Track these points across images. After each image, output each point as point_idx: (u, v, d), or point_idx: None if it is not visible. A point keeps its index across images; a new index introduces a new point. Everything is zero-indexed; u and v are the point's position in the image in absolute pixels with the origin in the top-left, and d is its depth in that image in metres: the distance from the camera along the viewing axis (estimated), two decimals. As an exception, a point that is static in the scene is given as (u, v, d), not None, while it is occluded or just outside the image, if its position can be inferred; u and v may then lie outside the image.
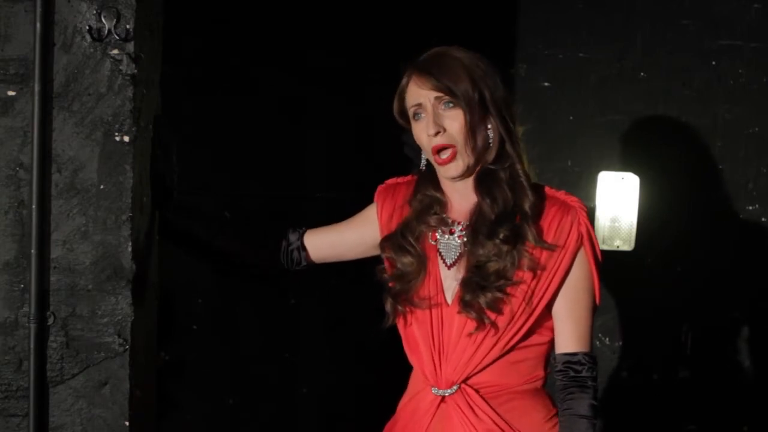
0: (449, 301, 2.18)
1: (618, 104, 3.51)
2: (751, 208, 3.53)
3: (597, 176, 3.25)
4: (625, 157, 3.49)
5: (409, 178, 2.32)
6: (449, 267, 2.19)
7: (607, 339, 3.57)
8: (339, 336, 3.49)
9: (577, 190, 3.45)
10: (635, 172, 3.25)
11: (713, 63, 3.49)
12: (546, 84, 3.51)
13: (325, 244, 2.44)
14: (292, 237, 2.45)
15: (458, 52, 2.17)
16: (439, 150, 2.14)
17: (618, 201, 3.20)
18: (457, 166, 2.14)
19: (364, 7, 3.43)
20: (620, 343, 3.57)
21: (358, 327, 3.26)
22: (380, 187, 2.39)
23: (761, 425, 3.55)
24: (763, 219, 3.53)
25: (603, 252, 3.13)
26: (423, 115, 2.15)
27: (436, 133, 2.12)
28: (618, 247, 3.22)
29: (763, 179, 3.52)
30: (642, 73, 3.50)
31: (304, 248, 2.44)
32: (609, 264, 3.32)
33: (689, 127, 3.51)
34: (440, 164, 2.15)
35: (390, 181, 2.40)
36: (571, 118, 3.52)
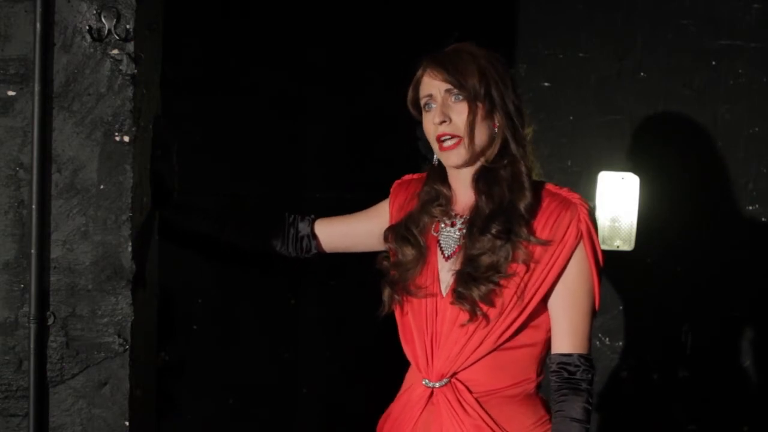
0: (444, 292, 2.20)
1: (618, 104, 3.51)
2: (751, 208, 3.52)
3: (597, 176, 3.25)
4: (625, 157, 3.48)
5: (422, 174, 2.36)
6: (447, 259, 2.22)
7: (607, 339, 3.57)
8: (339, 336, 3.49)
9: (577, 190, 3.42)
10: (635, 172, 3.25)
11: (713, 63, 3.49)
12: (546, 84, 3.51)
13: (336, 233, 2.48)
14: (302, 225, 2.49)
15: (475, 50, 2.22)
16: (442, 138, 2.17)
17: (618, 201, 3.20)
18: (459, 154, 2.17)
19: (364, 8, 3.43)
20: (620, 343, 3.57)
21: (358, 327, 3.26)
22: (396, 183, 2.46)
23: (761, 425, 3.55)
24: (763, 219, 3.53)
25: (603, 252, 3.14)
26: (433, 105, 2.20)
27: (442, 122, 2.16)
28: (618, 247, 3.22)
29: (763, 179, 3.52)
30: (642, 73, 3.50)
31: (314, 236, 2.48)
32: (609, 264, 3.32)
33: (689, 127, 3.51)
34: (442, 151, 2.19)
35: (405, 177, 2.46)
36: (571, 118, 3.52)
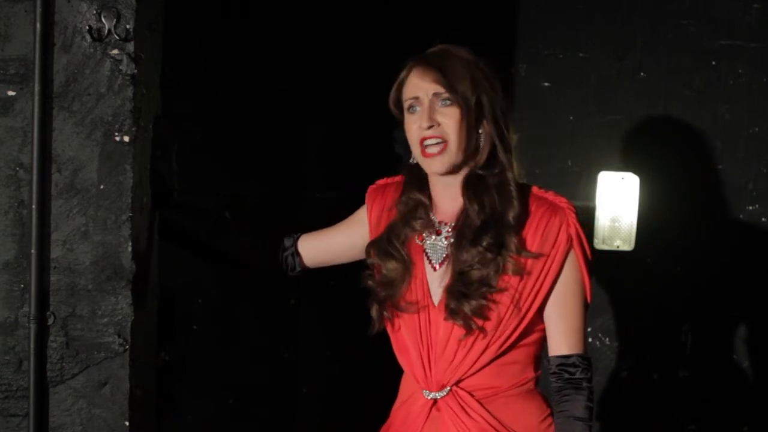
0: (436, 302, 2.17)
1: (618, 104, 3.51)
2: (751, 208, 3.53)
3: (597, 176, 3.25)
4: (625, 157, 3.48)
5: (399, 178, 2.30)
6: (436, 269, 2.19)
7: (607, 339, 3.57)
8: (339, 336, 3.49)
9: (577, 190, 3.45)
10: (635, 172, 3.25)
11: (713, 63, 3.49)
12: (546, 84, 3.51)
13: (318, 248, 2.45)
14: (287, 242, 2.47)
15: (463, 53, 2.16)
16: (426, 141, 2.12)
17: (618, 201, 3.20)
18: (443, 162, 2.12)
19: (364, 8, 3.43)
20: (620, 343, 3.57)
21: (358, 327, 3.26)
22: (371, 188, 2.39)
23: (761, 425, 3.55)
24: (763, 219, 3.53)
25: (603, 252, 3.13)
26: (418, 108, 2.14)
27: (429, 127, 2.11)
28: (618, 247, 3.22)
29: (763, 179, 3.52)
30: (642, 73, 3.50)
31: (297, 253, 2.46)
32: (609, 264, 3.34)
33: (689, 127, 3.51)
34: (426, 157, 2.13)
35: (380, 181, 2.39)
36: (571, 118, 3.52)
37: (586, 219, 3.21)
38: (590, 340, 3.53)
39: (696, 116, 3.51)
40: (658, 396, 3.56)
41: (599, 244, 3.18)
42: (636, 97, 3.51)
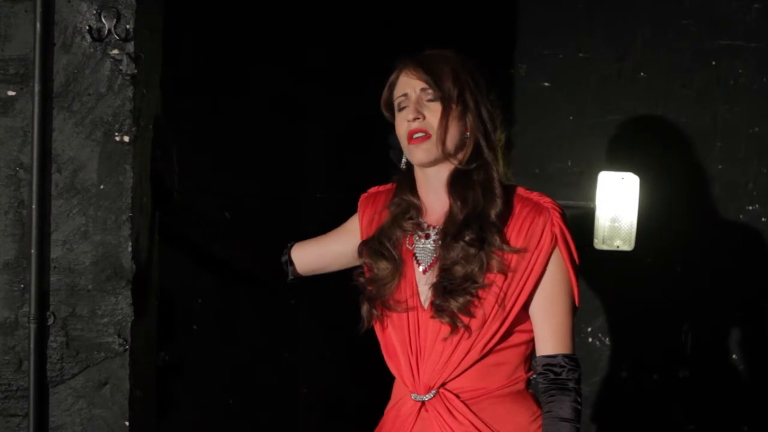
0: (425, 305, 2.19)
1: (618, 104, 3.51)
2: (751, 208, 3.53)
3: (597, 176, 3.25)
4: (625, 157, 3.48)
5: (390, 186, 2.34)
6: (424, 271, 2.21)
7: (607, 339, 3.57)
8: (339, 336, 3.49)
9: (577, 190, 3.45)
10: (635, 172, 3.25)
11: (713, 63, 3.49)
12: (546, 84, 3.51)
13: (310, 256, 2.47)
14: (282, 251, 2.49)
15: (451, 54, 2.23)
16: (414, 135, 2.17)
17: (618, 201, 3.20)
18: (428, 150, 2.16)
19: (364, 8, 3.44)
20: (620, 343, 3.57)
21: (358, 327, 3.26)
22: (362, 197, 2.43)
23: (761, 425, 3.55)
24: (763, 219, 3.53)
25: (603, 252, 3.13)
26: (407, 105, 2.20)
27: (415, 119, 2.16)
28: (618, 247, 3.22)
29: (763, 179, 3.52)
30: (642, 73, 3.50)
31: (291, 262, 2.47)
32: (609, 264, 3.34)
33: (689, 127, 3.51)
34: (410, 144, 2.17)
35: (372, 189, 2.42)
36: (571, 118, 3.52)
37: (586, 219, 3.21)
38: (590, 340, 3.53)
39: (696, 116, 3.51)
40: (657, 396, 3.56)
41: (599, 244, 3.18)
42: (636, 97, 3.51)
